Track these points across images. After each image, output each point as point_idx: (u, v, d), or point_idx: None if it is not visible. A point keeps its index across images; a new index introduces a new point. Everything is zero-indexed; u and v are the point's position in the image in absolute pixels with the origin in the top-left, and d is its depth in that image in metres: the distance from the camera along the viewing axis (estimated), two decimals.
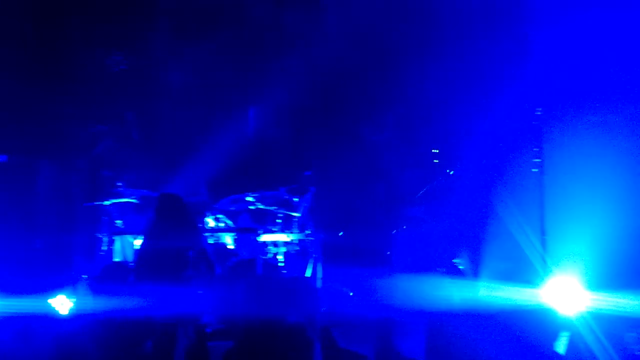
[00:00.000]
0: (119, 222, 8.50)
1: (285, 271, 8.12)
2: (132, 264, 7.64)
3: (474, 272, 8.09)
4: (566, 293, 6.96)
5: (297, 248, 8.51)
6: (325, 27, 9.71)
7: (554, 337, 6.47)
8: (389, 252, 8.86)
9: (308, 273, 8.32)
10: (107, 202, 8.42)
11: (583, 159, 8.02)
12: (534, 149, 7.80)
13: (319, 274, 8.26)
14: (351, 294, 8.13)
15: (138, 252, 7.53)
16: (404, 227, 8.98)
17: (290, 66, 9.61)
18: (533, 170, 7.81)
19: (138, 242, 8.09)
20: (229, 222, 8.63)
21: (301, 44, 9.65)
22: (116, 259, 8.28)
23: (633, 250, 7.45)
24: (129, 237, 8.42)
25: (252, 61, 9.87)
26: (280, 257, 8.37)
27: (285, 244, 8.47)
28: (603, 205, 7.61)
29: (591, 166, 7.96)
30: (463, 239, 8.60)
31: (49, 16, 9.36)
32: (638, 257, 7.40)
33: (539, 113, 7.86)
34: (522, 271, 7.64)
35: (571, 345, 6.25)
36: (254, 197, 8.67)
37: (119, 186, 8.58)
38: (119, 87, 9.52)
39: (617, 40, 8.17)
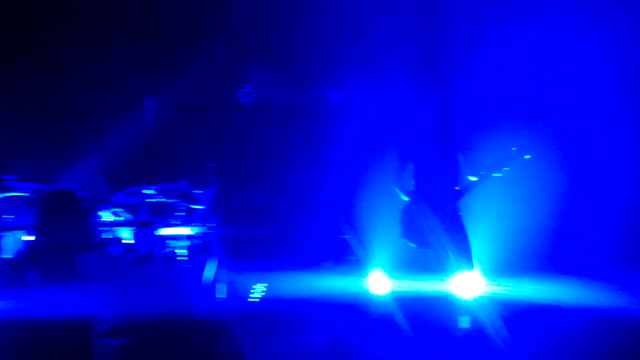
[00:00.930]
0: (9, 217, 8.14)
1: (187, 265, 7.95)
2: (23, 261, 7.36)
3: (383, 261, 8.14)
4: (467, 281, 7.33)
5: (199, 241, 8.33)
6: (227, 17, 9.61)
7: (457, 321, 6.95)
8: (292, 245, 8.91)
9: (210, 266, 8.18)
10: None
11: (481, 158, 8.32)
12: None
13: (221, 267, 8.16)
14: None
15: (28, 250, 7.25)
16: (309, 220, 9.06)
17: (191, 57, 9.50)
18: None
19: (28, 239, 7.81)
20: (128, 216, 8.40)
21: (202, 34, 9.53)
22: (5, 256, 7.94)
23: (524, 242, 8.21)
24: (20, 233, 8.08)
25: (150, 51, 9.70)
26: (181, 251, 8.20)
27: (187, 237, 8.29)
28: (500, 202, 8.24)
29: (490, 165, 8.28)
30: (369, 230, 8.69)
31: None
32: (529, 248, 8.20)
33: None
34: (428, 261, 7.80)
35: (471, 327, 6.78)
36: (153, 189, 8.48)
37: (10, 180, 8.23)
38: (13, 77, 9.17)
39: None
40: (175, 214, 8.36)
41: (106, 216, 8.23)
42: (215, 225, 8.41)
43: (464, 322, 6.98)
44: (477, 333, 6.76)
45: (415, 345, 6.65)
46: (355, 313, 7.20)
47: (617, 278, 7.54)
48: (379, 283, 7.69)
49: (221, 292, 8.08)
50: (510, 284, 7.26)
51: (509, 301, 6.90)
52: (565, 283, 7.51)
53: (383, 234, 8.39)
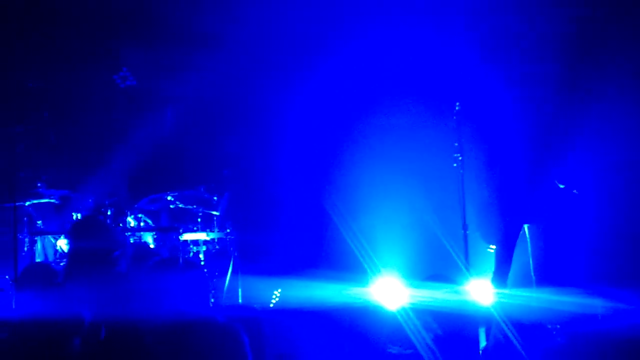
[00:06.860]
0: (39, 222, 8.55)
1: (206, 270, 8.26)
2: (58, 266, 7.73)
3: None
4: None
5: (217, 247, 8.68)
6: (241, 25, 9.80)
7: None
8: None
9: (228, 271, 8.51)
10: (27, 203, 8.46)
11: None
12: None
13: (238, 273, 8.47)
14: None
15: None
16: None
17: (207, 64, 9.68)
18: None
19: (61, 243, 8.24)
20: (149, 222, 8.72)
21: (217, 42, 9.72)
22: (38, 260, 8.34)
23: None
24: (50, 237, 8.50)
25: (167, 59, 9.93)
26: (201, 256, 8.57)
27: (205, 242, 8.63)
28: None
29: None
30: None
31: None
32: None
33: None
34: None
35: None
36: (173, 196, 8.78)
37: (39, 186, 8.63)
38: (35, 88, 9.49)
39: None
40: (196, 219, 8.66)
41: (131, 222, 8.60)
42: (232, 230, 8.73)
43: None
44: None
45: None
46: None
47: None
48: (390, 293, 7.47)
49: (236, 296, 8.41)
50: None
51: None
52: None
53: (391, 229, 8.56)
